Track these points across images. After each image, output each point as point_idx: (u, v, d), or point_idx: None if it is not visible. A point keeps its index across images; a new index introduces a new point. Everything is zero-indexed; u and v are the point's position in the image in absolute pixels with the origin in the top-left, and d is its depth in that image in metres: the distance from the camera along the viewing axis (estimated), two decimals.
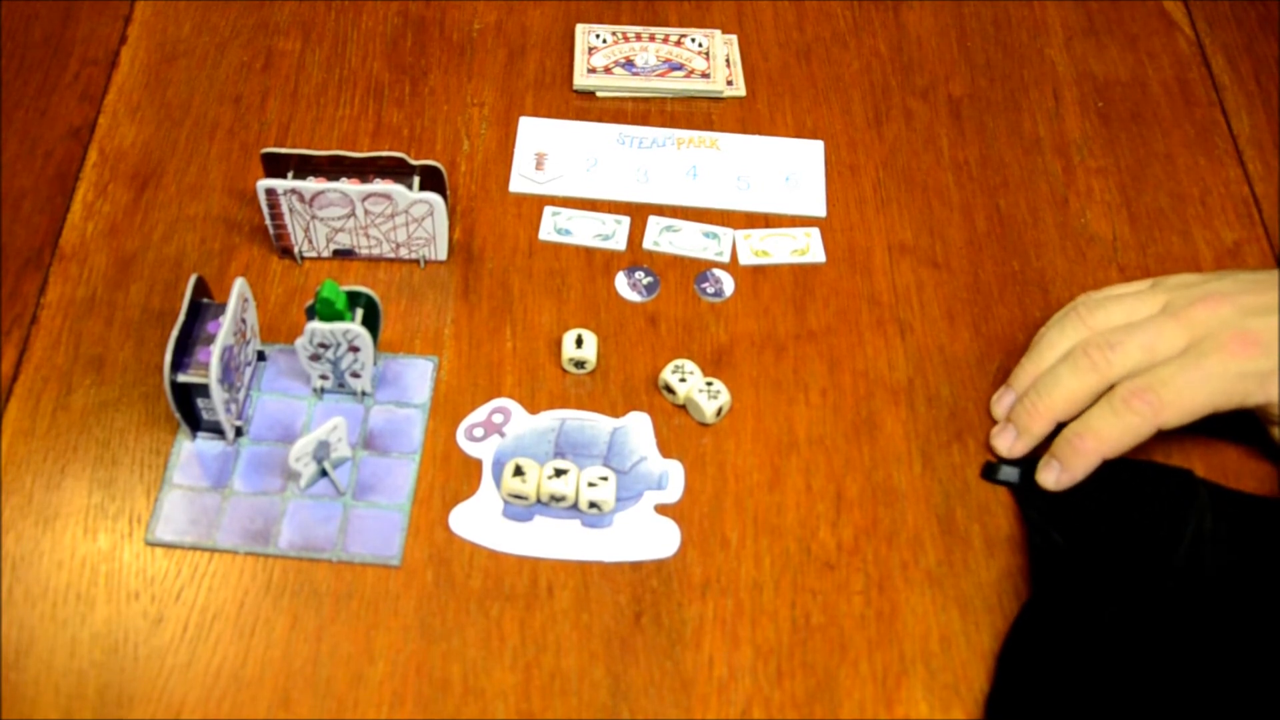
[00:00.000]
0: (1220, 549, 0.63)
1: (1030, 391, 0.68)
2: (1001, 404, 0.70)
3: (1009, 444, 0.68)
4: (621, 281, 0.75)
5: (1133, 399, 0.65)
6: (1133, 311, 0.68)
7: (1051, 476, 0.67)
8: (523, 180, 0.80)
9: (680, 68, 0.85)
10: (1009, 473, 0.68)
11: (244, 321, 0.68)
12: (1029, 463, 0.68)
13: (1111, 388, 0.66)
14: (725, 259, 0.77)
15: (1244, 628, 0.61)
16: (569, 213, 0.78)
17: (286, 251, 0.75)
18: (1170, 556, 0.62)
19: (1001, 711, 0.60)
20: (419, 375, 0.71)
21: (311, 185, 0.71)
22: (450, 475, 0.68)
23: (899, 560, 0.65)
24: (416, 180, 0.73)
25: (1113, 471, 0.66)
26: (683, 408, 0.71)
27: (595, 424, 0.70)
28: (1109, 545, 0.64)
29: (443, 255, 0.75)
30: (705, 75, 0.85)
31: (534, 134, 0.82)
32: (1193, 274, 0.70)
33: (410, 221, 0.73)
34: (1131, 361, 0.66)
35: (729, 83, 0.85)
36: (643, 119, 0.84)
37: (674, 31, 0.87)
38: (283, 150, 0.72)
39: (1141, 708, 0.59)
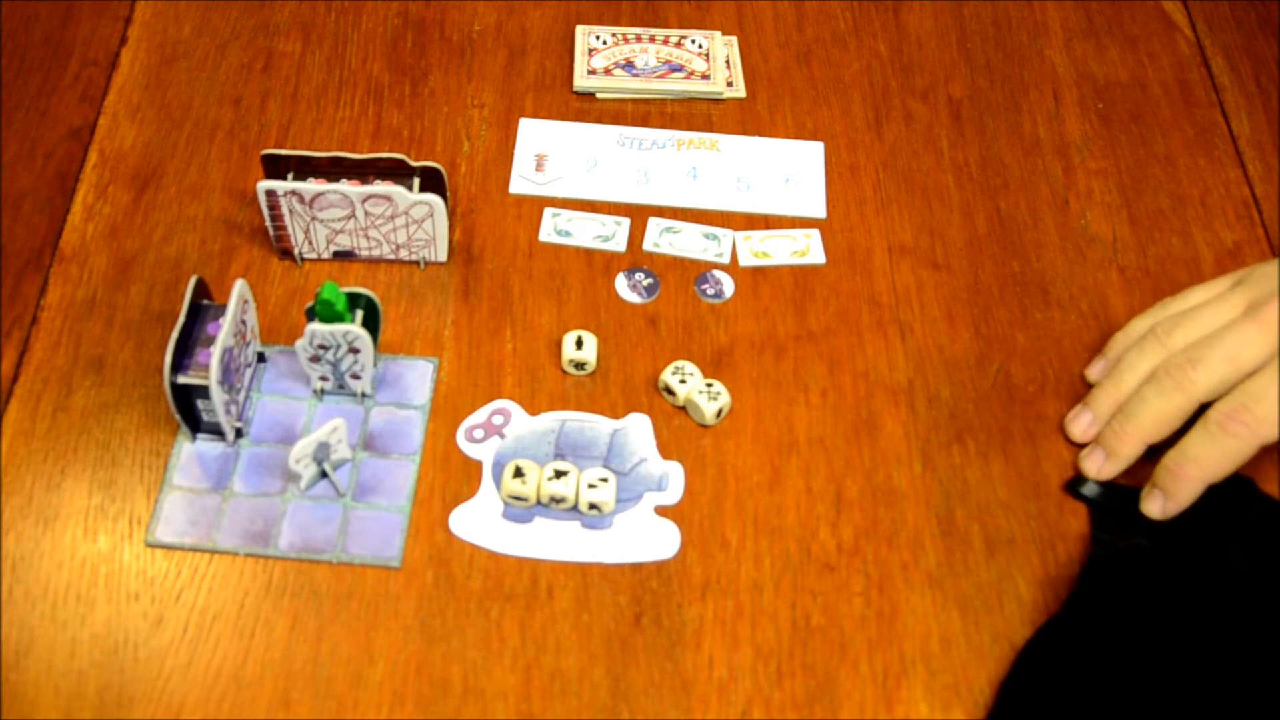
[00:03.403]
0: (1266, 558, 0.63)
1: (1119, 415, 0.67)
2: (1078, 423, 0.69)
3: (1098, 466, 0.68)
4: (621, 283, 0.75)
5: (1228, 422, 0.63)
6: (1210, 321, 0.66)
7: (1157, 506, 0.66)
8: (523, 181, 0.80)
9: (680, 69, 0.85)
10: (1093, 489, 0.68)
11: (244, 323, 0.68)
12: (1111, 483, 0.68)
13: (1204, 407, 0.64)
14: (725, 260, 0.77)
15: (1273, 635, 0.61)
16: (569, 214, 0.78)
17: (286, 253, 0.75)
18: (1219, 559, 0.62)
19: (1013, 702, 0.60)
20: (419, 376, 0.71)
21: (311, 187, 0.71)
22: (450, 476, 0.68)
23: (899, 561, 0.65)
24: (416, 181, 0.73)
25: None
26: (683, 409, 0.70)
27: (595, 425, 0.70)
28: (1168, 554, 0.64)
29: (443, 256, 0.75)
30: (705, 76, 0.85)
31: (534, 135, 0.82)
32: (1273, 263, 0.68)
33: (410, 223, 0.73)
34: (1216, 376, 0.64)
35: (729, 84, 0.85)
36: (643, 120, 0.84)
37: (674, 33, 0.87)
38: (283, 151, 0.72)
39: (1165, 711, 0.59)
